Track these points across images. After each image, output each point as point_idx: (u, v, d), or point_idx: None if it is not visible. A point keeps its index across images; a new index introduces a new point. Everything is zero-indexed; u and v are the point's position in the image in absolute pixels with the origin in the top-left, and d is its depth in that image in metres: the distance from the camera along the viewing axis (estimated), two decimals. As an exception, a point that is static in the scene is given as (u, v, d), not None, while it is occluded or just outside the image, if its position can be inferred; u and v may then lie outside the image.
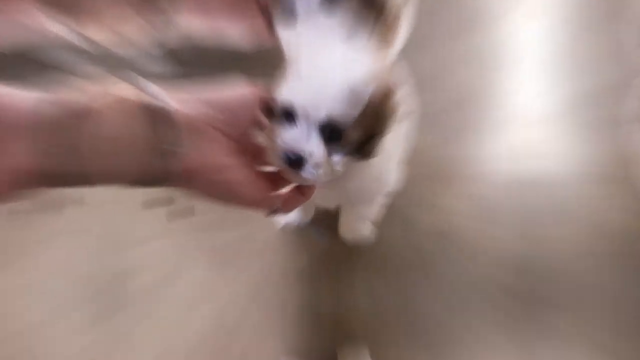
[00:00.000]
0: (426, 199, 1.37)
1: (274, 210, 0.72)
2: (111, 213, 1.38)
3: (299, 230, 1.31)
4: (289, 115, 0.70)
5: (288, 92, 0.69)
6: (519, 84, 1.72)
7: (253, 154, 0.71)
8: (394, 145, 0.91)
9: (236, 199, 0.67)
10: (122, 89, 0.58)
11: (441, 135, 1.58)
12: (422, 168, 1.44)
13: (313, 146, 0.71)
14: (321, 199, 1.04)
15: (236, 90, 0.68)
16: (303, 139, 0.71)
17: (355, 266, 1.24)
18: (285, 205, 0.75)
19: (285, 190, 0.76)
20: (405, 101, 0.76)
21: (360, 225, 1.26)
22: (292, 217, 1.30)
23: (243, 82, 0.69)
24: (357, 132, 0.72)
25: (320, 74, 0.68)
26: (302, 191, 0.76)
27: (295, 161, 0.71)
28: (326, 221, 1.30)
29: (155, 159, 0.58)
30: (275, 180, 0.74)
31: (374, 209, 1.18)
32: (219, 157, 0.65)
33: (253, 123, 0.69)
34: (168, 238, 1.33)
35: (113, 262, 1.29)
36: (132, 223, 1.35)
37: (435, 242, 1.29)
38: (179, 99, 0.63)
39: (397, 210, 1.30)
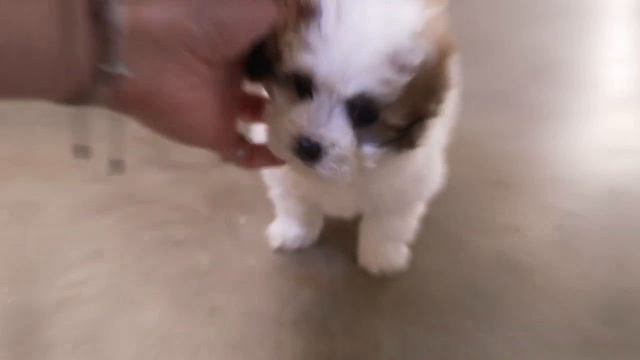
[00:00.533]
0: (484, 212, 1.15)
1: (232, 159, 0.66)
2: (29, 220, 1.07)
3: (302, 254, 1.04)
4: (303, 87, 0.60)
5: (304, 54, 0.58)
6: (614, 48, 1.46)
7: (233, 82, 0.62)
8: (440, 132, 0.79)
9: (190, 140, 0.60)
10: None
11: (506, 122, 1.36)
12: (478, 169, 1.24)
13: (336, 131, 0.60)
14: (334, 205, 0.87)
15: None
16: (322, 121, 0.60)
17: (381, 307, 0.95)
18: (248, 161, 0.68)
19: (258, 138, 0.68)
20: (455, 70, 0.65)
21: (389, 248, 1.00)
22: (291, 233, 1.03)
23: None
24: (399, 113, 0.60)
25: (351, 28, 0.57)
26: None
27: (310, 151, 0.60)
28: (340, 240, 1.06)
29: (87, 80, 0.48)
30: (253, 107, 0.68)
31: (410, 223, 0.98)
32: (179, 92, 0.55)
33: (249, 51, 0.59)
34: (111, 259, 1.00)
35: (30, 293, 0.94)
36: (61, 236, 1.04)
37: (496, 274, 1.01)
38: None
39: (442, 228, 1.10)
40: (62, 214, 1.07)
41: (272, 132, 0.62)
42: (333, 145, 0.59)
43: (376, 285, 0.98)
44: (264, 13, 0.57)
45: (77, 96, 0.49)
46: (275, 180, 0.89)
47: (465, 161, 1.15)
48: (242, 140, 0.66)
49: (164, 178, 1.17)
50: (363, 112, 0.60)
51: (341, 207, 0.87)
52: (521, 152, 1.30)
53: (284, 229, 1.02)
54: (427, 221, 1.03)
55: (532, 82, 1.51)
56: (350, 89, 0.57)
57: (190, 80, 0.55)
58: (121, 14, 0.48)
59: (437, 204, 1.05)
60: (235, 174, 1.19)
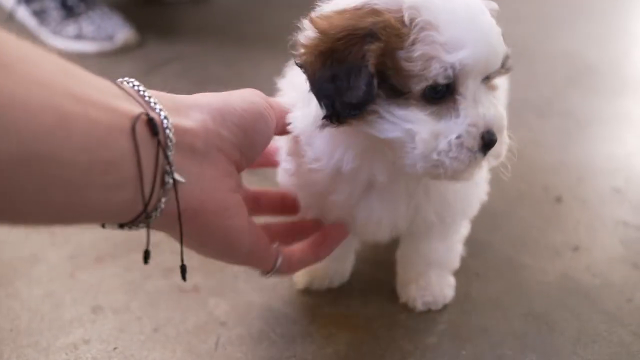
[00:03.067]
0: (538, 232, 1.02)
1: (272, 270, 0.69)
2: (24, 276, 0.93)
3: (333, 292, 0.90)
4: (439, 92, 0.60)
5: (448, 55, 0.58)
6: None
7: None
8: None
9: (231, 250, 0.64)
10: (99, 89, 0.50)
11: (548, 131, 1.28)
12: (527, 184, 1.13)
13: (501, 111, 0.64)
14: (370, 223, 0.75)
15: (248, 100, 0.64)
16: (491, 108, 0.63)
17: (429, 346, 0.81)
18: (289, 265, 0.71)
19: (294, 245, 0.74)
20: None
21: (433, 278, 0.87)
22: (318, 271, 0.89)
23: (251, 91, 0.66)
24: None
25: (466, 14, 0.60)
26: (322, 245, 0.73)
27: (492, 142, 0.62)
28: (376, 274, 0.93)
29: (140, 193, 0.51)
30: (283, 234, 0.75)
31: (454, 247, 0.87)
32: (224, 194, 0.59)
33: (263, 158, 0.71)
34: (113, 315, 0.87)
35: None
36: (57, 293, 0.90)
37: (559, 300, 0.88)
38: (180, 105, 0.58)
39: (493, 253, 0.97)
40: (59, 267, 0.94)
41: (447, 150, 0.60)
42: (504, 126, 0.63)
43: (421, 322, 0.85)
44: (268, 111, 0.65)
45: (129, 215, 0.53)
46: (311, 202, 0.76)
47: (512, 177, 1.03)
48: (280, 250, 0.70)
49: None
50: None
51: (378, 225, 0.75)
52: (571, 163, 1.18)
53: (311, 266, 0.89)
54: (477, 246, 0.92)
55: (568, 88, 1.43)
56: (500, 58, 0.62)
57: (229, 184, 0.60)
58: (172, 128, 0.53)
59: (486, 225, 0.95)
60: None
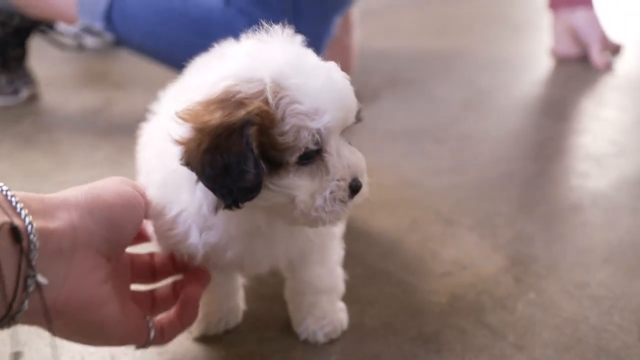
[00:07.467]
0: (429, 255, 1.05)
1: (147, 343, 0.71)
2: None
3: (226, 334, 0.89)
4: (308, 155, 0.66)
5: (311, 122, 0.64)
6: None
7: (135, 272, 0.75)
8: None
9: (104, 339, 0.67)
10: None
11: (442, 156, 1.33)
12: (419, 210, 1.14)
13: (360, 156, 0.71)
14: (259, 259, 0.78)
15: (117, 191, 0.67)
16: (352, 157, 0.69)
17: None
18: (162, 337, 0.73)
19: (163, 315, 0.76)
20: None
21: (325, 306, 0.88)
22: (213, 316, 0.88)
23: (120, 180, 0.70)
24: None
25: (324, 78, 0.66)
26: (184, 314, 0.75)
27: (358, 187, 0.69)
28: (268, 309, 0.94)
29: (2, 297, 0.53)
30: (153, 302, 0.76)
31: (335, 270, 0.88)
32: (92, 288, 0.61)
33: (137, 235, 0.72)
34: None
35: None
36: None
37: (449, 321, 0.90)
38: (48, 205, 0.61)
39: (384, 279, 0.99)
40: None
41: (323, 206, 0.67)
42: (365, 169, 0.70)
43: (315, 355, 0.85)
44: (138, 200, 0.69)
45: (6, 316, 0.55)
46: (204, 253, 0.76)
47: (405, 205, 1.06)
48: (151, 324, 0.72)
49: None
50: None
51: (259, 263, 0.79)
52: (463, 185, 1.24)
53: (205, 310, 0.87)
54: (372, 274, 0.96)
55: (463, 113, 1.48)
56: (354, 113, 0.69)
57: (97, 277, 0.62)
58: (36, 234, 0.56)
59: (381, 253, 0.98)
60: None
